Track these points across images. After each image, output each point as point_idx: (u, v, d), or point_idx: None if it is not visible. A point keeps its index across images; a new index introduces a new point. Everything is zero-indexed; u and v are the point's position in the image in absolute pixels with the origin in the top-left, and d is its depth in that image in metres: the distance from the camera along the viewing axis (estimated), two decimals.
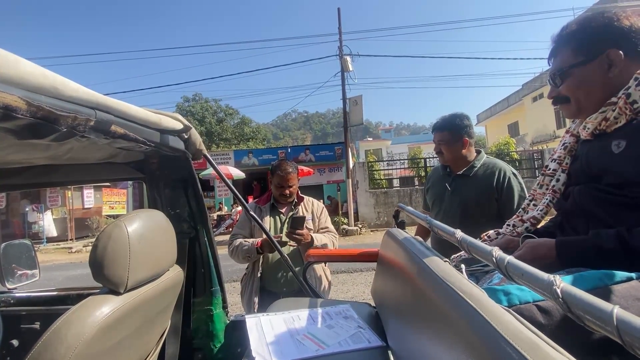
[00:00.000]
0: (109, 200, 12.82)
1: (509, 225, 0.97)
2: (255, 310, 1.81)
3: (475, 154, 1.78)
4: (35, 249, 1.65)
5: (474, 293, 0.44)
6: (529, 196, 0.99)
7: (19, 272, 1.53)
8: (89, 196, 12.98)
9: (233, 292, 4.57)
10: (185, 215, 1.30)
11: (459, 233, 0.55)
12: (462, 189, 1.72)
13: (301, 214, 1.97)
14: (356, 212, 11.39)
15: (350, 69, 11.82)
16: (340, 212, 10.95)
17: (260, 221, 1.56)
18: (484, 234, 1.02)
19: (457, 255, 1.00)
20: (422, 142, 29.18)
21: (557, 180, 0.89)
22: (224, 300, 1.35)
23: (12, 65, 0.49)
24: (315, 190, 12.16)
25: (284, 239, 1.84)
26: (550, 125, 17.87)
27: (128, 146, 0.88)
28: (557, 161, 0.91)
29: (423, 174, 11.69)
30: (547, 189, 0.92)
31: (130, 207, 13.95)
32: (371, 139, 45.81)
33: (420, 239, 0.83)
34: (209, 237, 1.32)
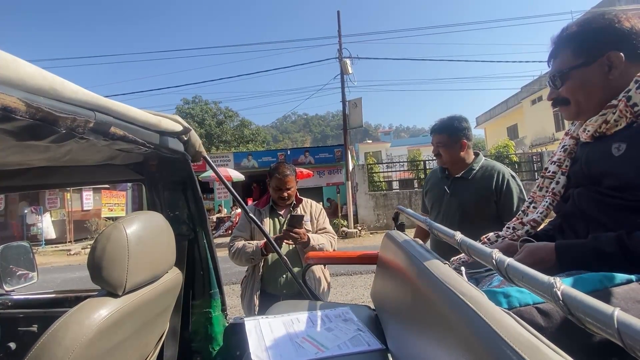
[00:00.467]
0: (108, 202, 12.78)
1: (508, 227, 0.96)
2: (256, 313, 1.80)
3: (473, 156, 1.78)
4: (34, 251, 1.64)
5: (474, 295, 0.44)
6: (529, 198, 0.99)
7: (17, 274, 1.53)
8: (88, 198, 12.96)
9: (232, 295, 4.56)
10: (185, 218, 1.30)
11: (458, 235, 0.55)
12: (461, 191, 1.72)
13: (300, 213, 1.97)
14: (356, 215, 11.38)
15: (350, 71, 11.85)
16: (340, 214, 10.94)
17: (259, 224, 1.56)
18: (484, 236, 1.02)
19: (456, 257, 1.00)
20: (422, 145, 29.25)
21: (557, 182, 0.89)
22: (223, 303, 1.35)
23: (12, 67, 0.49)
24: (315, 193, 12.16)
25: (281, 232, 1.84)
26: (549, 128, 17.91)
27: (127, 148, 0.88)
28: (556, 163, 0.91)
29: (422, 176, 11.69)
30: (546, 192, 0.92)
31: (130, 209, 13.91)
32: (371, 141, 45.90)
33: (420, 241, 0.83)
34: (208, 240, 1.31)
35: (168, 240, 0.97)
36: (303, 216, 1.86)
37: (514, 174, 1.71)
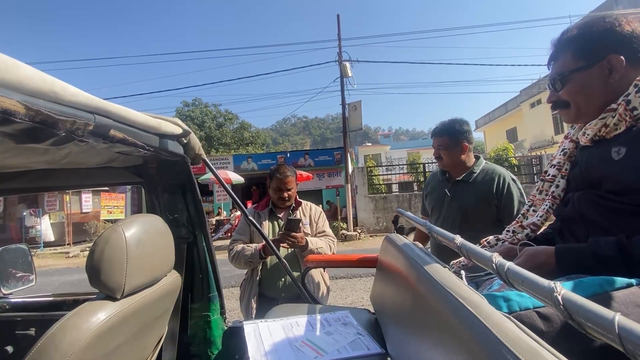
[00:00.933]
0: (107, 205, 12.77)
1: (508, 231, 0.96)
2: (253, 316, 1.79)
3: (474, 159, 1.79)
4: (32, 253, 1.64)
5: (474, 299, 0.44)
6: (528, 202, 0.98)
7: (15, 277, 1.52)
8: (87, 200, 12.94)
9: (231, 298, 4.54)
10: (184, 220, 1.29)
11: (458, 239, 0.55)
12: (461, 194, 1.72)
13: (298, 217, 1.96)
14: (355, 217, 11.37)
15: (350, 74, 11.88)
16: (340, 217, 10.93)
17: (259, 227, 1.56)
18: (484, 239, 1.01)
19: (456, 261, 0.99)
20: (421, 148, 29.30)
21: (557, 186, 0.89)
22: (222, 306, 1.34)
23: (11, 70, 0.49)
24: (314, 195, 12.16)
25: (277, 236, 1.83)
26: (549, 131, 17.96)
27: (127, 151, 0.88)
28: (556, 167, 0.90)
29: (422, 179, 11.70)
30: (546, 195, 0.91)
31: (129, 211, 13.89)
32: (370, 144, 45.90)
33: (420, 244, 0.83)
34: (208, 242, 1.31)
35: (167, 243, 0.96)
36: (300, 220, 1.85)
37: (514, 177, 1.71)
